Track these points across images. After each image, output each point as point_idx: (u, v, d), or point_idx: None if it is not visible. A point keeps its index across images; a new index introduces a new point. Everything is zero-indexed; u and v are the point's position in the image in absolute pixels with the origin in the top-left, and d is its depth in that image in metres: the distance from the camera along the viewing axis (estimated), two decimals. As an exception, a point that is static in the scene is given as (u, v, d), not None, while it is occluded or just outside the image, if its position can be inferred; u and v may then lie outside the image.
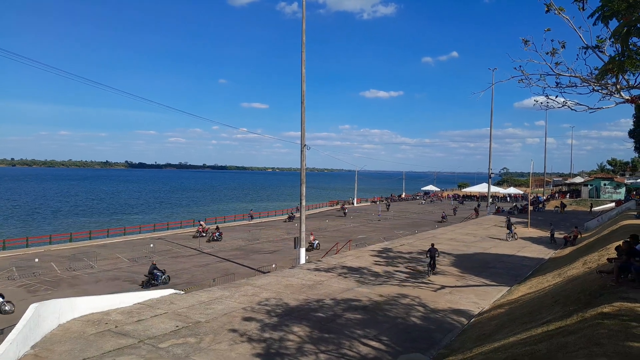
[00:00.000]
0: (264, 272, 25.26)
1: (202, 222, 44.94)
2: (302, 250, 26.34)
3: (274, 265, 28.07)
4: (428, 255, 22.30)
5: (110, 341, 12.16)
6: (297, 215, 51.47)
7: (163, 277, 24.74)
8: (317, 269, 22.43)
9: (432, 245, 22.84)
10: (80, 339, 12.41)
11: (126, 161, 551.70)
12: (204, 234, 40.80)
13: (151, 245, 36.75)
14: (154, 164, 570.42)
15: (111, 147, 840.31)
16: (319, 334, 12.85)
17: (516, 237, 35.49)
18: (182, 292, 18.39)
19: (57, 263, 29.98)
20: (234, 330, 13.02)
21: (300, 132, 27.71)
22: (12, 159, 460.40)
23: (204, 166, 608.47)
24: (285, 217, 59.19)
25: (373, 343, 12.35)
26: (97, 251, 34.27)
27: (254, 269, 27.83)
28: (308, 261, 25.97)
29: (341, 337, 12.65)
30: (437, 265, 22.55)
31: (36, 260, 30.49)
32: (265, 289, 18.28)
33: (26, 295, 22.40)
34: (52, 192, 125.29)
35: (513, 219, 42.48)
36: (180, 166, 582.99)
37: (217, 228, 41.75)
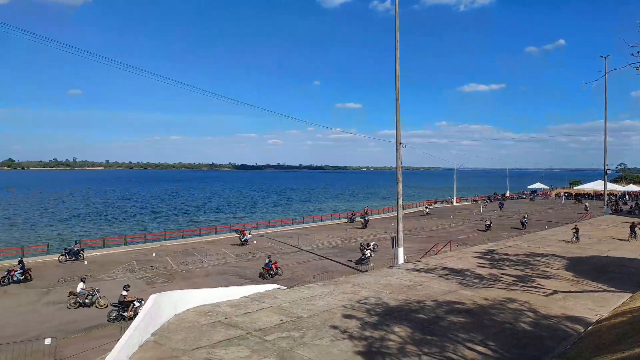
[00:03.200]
0: (362, 271, 25.33)
1: None
2: (401, 250, 26.00)
3: (371, 265, 28.05)
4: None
5: (221, 332, 12.91)
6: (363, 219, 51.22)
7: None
8: (416, 270, 22.01)
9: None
10: (194, 329, 13.31)
11: (230, 163, 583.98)
12: None
13: (255, 242, 38.49)
14: (255, 165, 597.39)
15: (217, 150, 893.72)
16: (420, 336, 12.59)
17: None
18: (285, 288, 19.03)
19: (172, 257, 32.54)
20: (335, 327, 13.19)
21: (395, 131, 27.40)
22: (130, 162, 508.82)
23: (300, 166, 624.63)
24: (384, 216, 58.90)
25: (479, 348, 11.83)
26: (206, 247, 36.70)
27: (352, 268, 28.01)
28: (407, 261, 25.58)
29: (444, 340, 12.28)
30: (547, 269, 21.44)
31: (153, 254, 33.35)
32: (364, 287, 18.31)
33: (145, 287, 24.56)
34: (164, 192, 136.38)
35: (636, 220, 38.37)
36: (278, 167, 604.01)
37: (21, 262, 26.92)
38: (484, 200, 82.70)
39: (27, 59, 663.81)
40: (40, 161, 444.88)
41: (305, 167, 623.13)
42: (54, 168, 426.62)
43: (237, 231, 41.06)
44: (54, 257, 32.36)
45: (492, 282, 19.49)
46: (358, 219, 52.70)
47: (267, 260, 27.12)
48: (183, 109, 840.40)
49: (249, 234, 39.24)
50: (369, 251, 30.10)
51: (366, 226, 48.15)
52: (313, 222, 56.34)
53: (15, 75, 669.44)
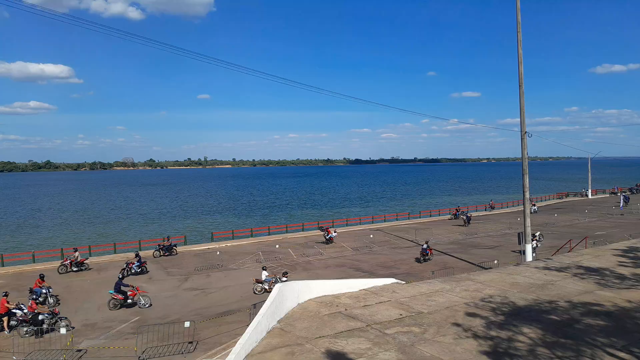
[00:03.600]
0: (485, 268, 24.25)
1: (76, 251, 29.82)
2: (528, 247, 24.41)
3: (495, 261, 26.71)
4: None
5: (342, 323, 13.25)
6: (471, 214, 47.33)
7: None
8: (546, 268, 20.46)
9: None
10: (316, 318, 13.83)
11: (344, 158, 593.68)
12: (74, 267, 28.69)
13: (371, 236, 38.76)
14: (369, 159, 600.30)
15: (332, 146, 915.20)
16: (552, 338, 11.73)
17: None
18: (403, 282, 18.92)
19: (293, 249, 34.08)
20: (457, 325, 12.82)
21: (519, 119, 25.66)
22: (253, 160, 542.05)
23: (415, 160, 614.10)
24: (510, 210, 55.59)
25: (621, 354, 10.70)
26: (324, 240, 37.76)
27: (474, 264, 26.96)
28: (535, 259, 23.92)
29: (580, 344, 11.30)
30: None
31: (277, 246, 35.20)
32: (487, 285, 17.50)
33: (271, 276, 26.06)
34: (284, 187, 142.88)
35: None
36: (393, 161, 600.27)
37: (138, 256, 28.91)
38: (624, 192, 74.02)
39: (161, 67, 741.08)
40: (177, 161, 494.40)
41: (420, 160, 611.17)
42: (188, 167, 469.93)
43: (321, 228, 40.00)
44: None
45: (635, 283, 17.44)
46: (461, 216, 49.39)
47: (425, 246, 29.48)
48: (299, 107, 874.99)
49: (334, 231, 37.81)
50: (535, 241, 29.09)
51: (468, 223, 44.94)
52: (430, 216, 55.12)
53: (152, 83, 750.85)
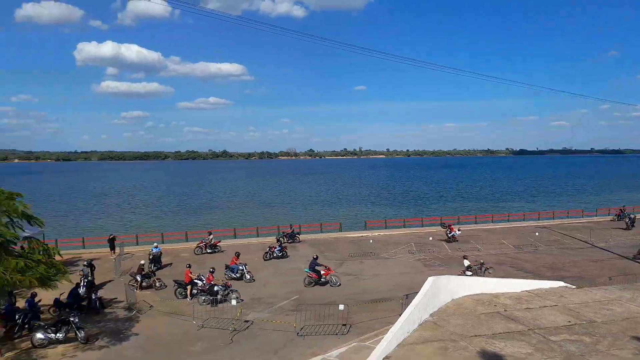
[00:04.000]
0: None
1: (211, 234, 32.73)
2: None
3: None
4: None
5: (500, 324, 12.55)
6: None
7: None
8: None
9: None
10: (471, 316, 13.32)
11: (507, 148, 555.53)
12: (208, 249, 31.12)
13: (536, 234, 35.74)
14: (536, 150, 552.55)
15: (492, 136, 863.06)
16: None
17: None
18: (574, 287, 17.13)
19: (447, 242, 33.07)
20: (638, 339, 11.22)
21: None
22: (407, 150, 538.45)
23: (591, 150, 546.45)
24: None
25: None
26: (482, 235, 35.95)
27: (664, 273, 23.13)
28: None
29: None
30: None
31: (430, 238, 34.55)
32: (682, 298, 14.93)
33: (423, 269, 25.72)
34: (437, 178, 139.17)
35: None
36: (564, 151, 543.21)
37: (279, 241, 32.17)
38: None
39: (322, 62, 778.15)
40: (334, 151, 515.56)
41: (597, 151, 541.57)
42: (344, 157, 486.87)
43: (442, 225, 36.97)
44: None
45: None
46: (625, 218, 40.89)
47: None
48: (457, 96, 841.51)
49: (458, 229, 34.43)
50: None
51: (632, 226, 37.78)
52: (609, 214, 48.61)
53: (314, 77, 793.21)
